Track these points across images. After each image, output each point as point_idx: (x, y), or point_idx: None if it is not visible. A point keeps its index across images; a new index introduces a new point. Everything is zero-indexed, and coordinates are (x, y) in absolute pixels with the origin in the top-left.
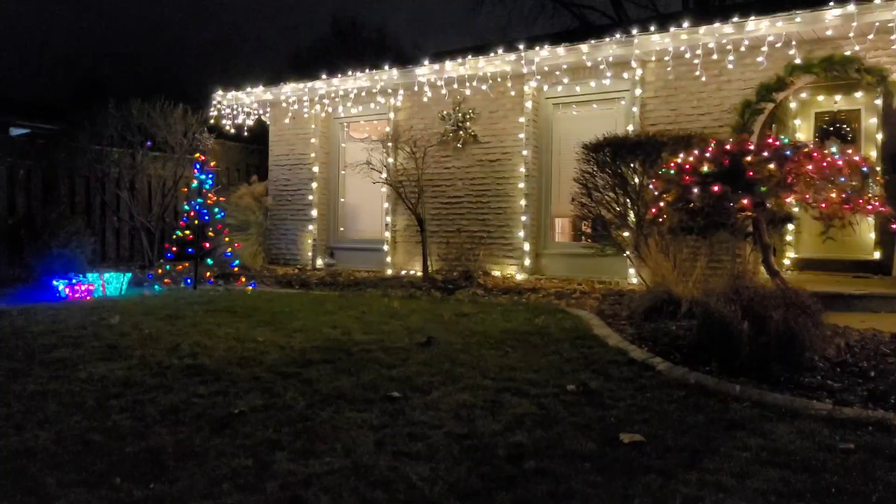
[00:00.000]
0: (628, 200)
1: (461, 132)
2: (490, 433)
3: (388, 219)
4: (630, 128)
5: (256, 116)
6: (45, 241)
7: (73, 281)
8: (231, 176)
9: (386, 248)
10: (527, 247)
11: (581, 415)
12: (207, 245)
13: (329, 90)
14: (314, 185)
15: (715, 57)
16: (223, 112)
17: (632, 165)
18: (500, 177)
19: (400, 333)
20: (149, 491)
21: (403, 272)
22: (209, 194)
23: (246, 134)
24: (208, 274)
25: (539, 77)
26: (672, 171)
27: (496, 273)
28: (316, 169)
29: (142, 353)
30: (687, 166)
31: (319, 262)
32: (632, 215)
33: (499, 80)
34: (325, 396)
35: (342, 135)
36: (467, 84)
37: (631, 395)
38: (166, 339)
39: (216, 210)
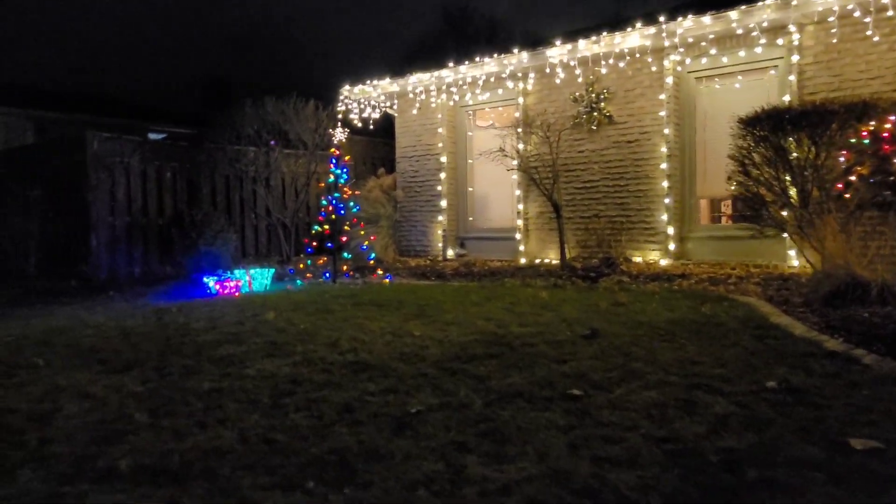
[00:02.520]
0: (789, 177)
1: (595, 113)
2: (693, 436)
3: (520, 206)
4: (786, 98)
5: (383, 109)
6: (193, 239)
7: (222, 277)
8: (358, 169)
9: (518, 236)
10: (671, 230)
11: (793, 416)
12: (345, 239)
13: (456, 78)
14: (442, 175)
15: (889, 14)
16: (350, 106)
17: (795, 138)
18: (638, 158)
19: (558, 325)
20: (343, 496)
21: (537, 261)
22: (345, 188)
23: (371, 127)
24: (345, 267)
25: (682, 50)
26: (865, 141)
27: (637, 259)
28: (444, 159)
29: (303, 350)
30: (885, 134)
31: (450, 253)
32: (794, 192)
33: (637, 55)
34: (501, 394)
35: (469, 123)
36: (603, 62)
37: (844, 392)
38: (322, 334)
39: (351, 204)
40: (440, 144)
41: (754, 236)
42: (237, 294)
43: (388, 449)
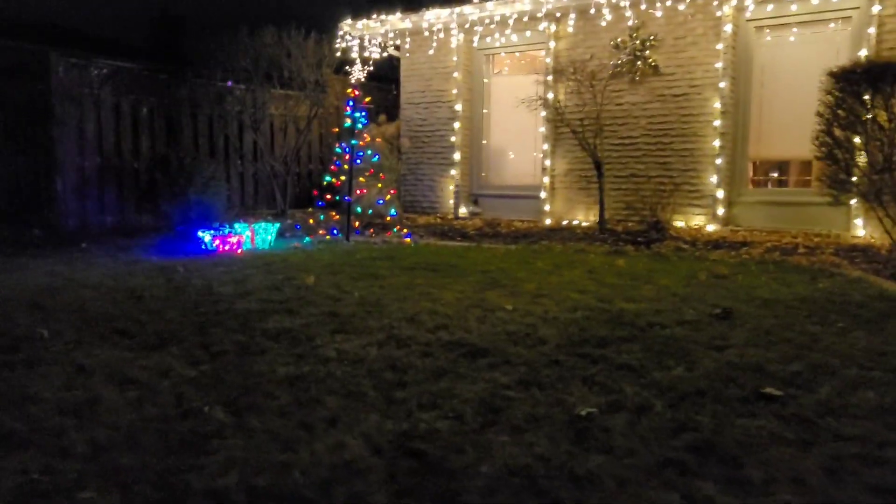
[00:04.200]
0: (879, 139)
1: (638, 63)
2: None
3: (547, 162)
4: (862, 52)
5: (388, 48)
6: (182, 186)
7: (221, 231)
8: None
9: (543, 195)
10: (720, 194)
11: None
12: (363, 192)
13: (482, 16)
14: (457, 125)
15: None
16: (351, 44)
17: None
18: (686, 114)
19: (670, 300)
20: None
21: (564, 222)
22: (364, 135)
23: (370, 69)
24: (356, 224)
25: None
26: None
27: (679, 223)
28: (458, 107)
29: (379, 325)
30: None
31: (462, 211)
32: (880, 157)
33: None
34: (679, 393)
35: (486, 68)
36: (658, 4)
37: None
38: (389, 305)
39: (370, 153)
40: (454, 91)
41: (831, 203)
42: (240, 251)
43: (586, 469)
